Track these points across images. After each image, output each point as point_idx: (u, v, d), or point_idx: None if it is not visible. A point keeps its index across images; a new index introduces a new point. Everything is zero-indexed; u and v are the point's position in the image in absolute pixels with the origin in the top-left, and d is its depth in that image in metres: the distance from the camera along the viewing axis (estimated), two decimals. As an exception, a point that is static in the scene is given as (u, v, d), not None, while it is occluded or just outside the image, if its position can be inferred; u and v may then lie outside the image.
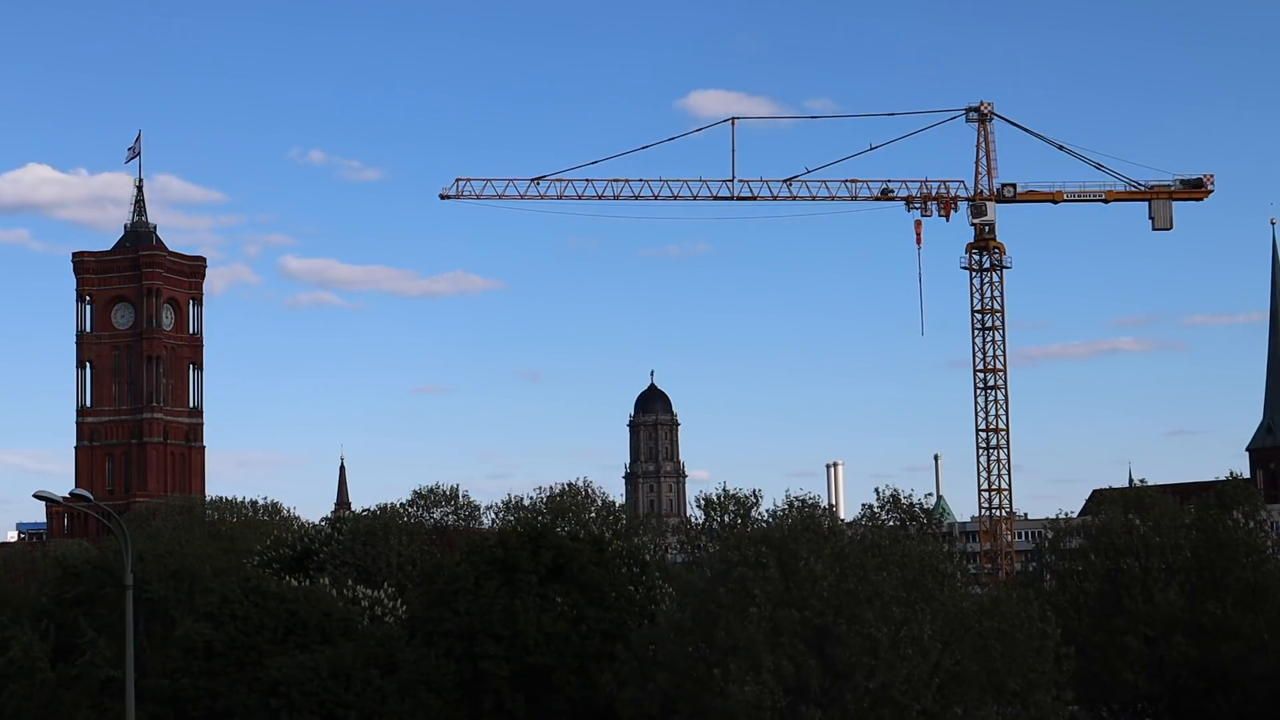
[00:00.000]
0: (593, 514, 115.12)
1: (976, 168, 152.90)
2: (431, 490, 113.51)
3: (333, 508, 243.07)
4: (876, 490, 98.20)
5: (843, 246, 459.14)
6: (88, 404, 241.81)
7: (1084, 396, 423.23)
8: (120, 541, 61.03)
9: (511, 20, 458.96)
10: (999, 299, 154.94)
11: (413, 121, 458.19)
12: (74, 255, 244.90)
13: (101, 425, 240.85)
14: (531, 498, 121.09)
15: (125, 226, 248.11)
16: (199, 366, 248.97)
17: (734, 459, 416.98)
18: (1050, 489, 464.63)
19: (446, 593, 78.03)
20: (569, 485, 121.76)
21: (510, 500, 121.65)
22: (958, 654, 54.30)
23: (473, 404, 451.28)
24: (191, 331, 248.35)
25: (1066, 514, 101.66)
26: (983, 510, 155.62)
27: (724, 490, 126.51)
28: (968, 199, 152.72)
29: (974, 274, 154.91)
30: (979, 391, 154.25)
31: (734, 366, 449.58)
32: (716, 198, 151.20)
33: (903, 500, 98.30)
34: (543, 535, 79.06)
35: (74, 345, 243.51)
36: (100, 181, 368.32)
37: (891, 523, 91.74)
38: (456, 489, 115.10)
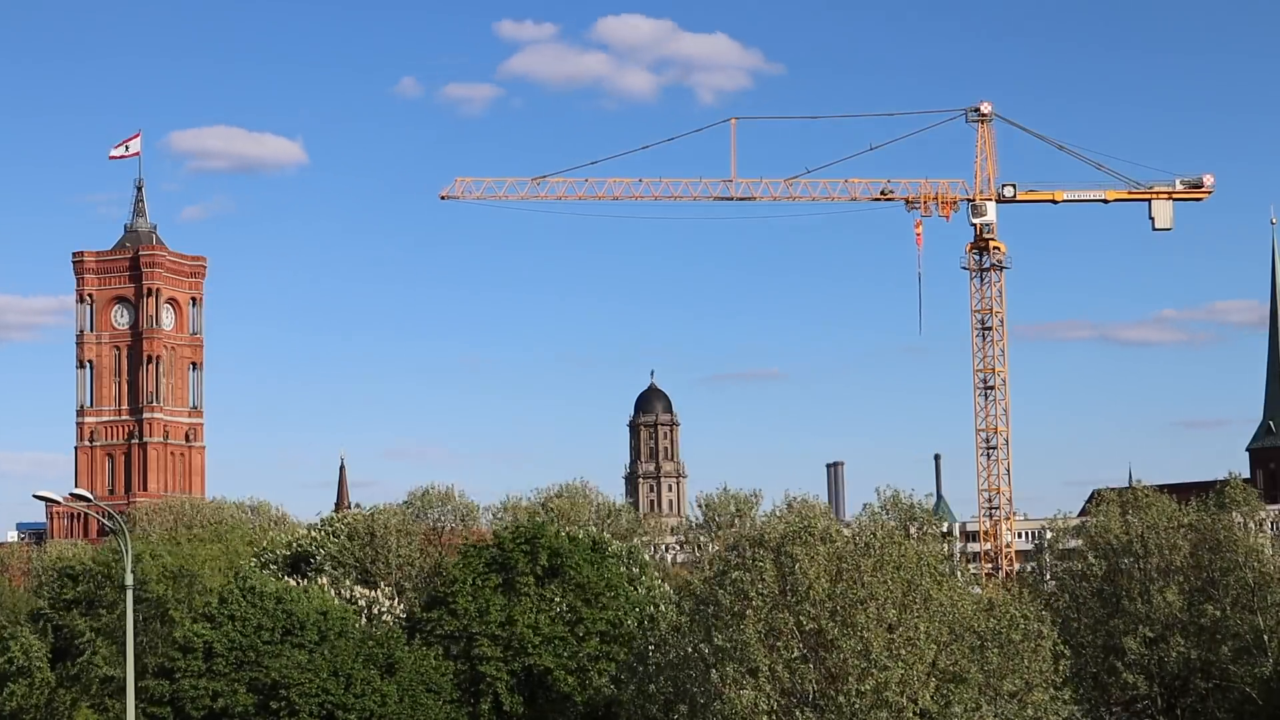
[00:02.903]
0: (590, 513, 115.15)
1: (976, 168, 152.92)
2: (426, 491, 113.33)
3: (332, 508, 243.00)
4: (877, 490, 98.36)
5: (842, 247, 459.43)
6: (87, 404, 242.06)
7: (1084, 396, 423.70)
8: (120, 542, 61.09)
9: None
10: (999, 299, 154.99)
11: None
12: (74, 255, 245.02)
13: (101, 425, 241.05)
14: (529, 499, 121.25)
15: (125, 226, 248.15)
16: (199, 366, 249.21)
17: (734, 459, 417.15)
18: (1050, 489, 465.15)
19: (445, 594, 78.10)
20: (566, 485, 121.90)
21: (508, 501, 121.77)
22: (955, 655, 54.30)
23: (472, 404, 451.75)
24: (191, 331, 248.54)
25: (1066, 514, 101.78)
26: (983, 510, 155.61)
27: (724, 490, 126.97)
28: (968, 199, 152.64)
29: (974, 274, 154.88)
30: (979, 391, 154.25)
31: (734, 366, 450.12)
32: (717, 198, 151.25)
33: (903, 500, 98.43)
34: (539, 536, 79.07)
35: (74, 345, 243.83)
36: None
37: (892, 523, 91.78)
38: (451, 489, 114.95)
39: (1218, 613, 68.75)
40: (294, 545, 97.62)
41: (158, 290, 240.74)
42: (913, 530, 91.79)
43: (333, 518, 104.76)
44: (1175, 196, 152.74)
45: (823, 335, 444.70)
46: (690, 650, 57.48)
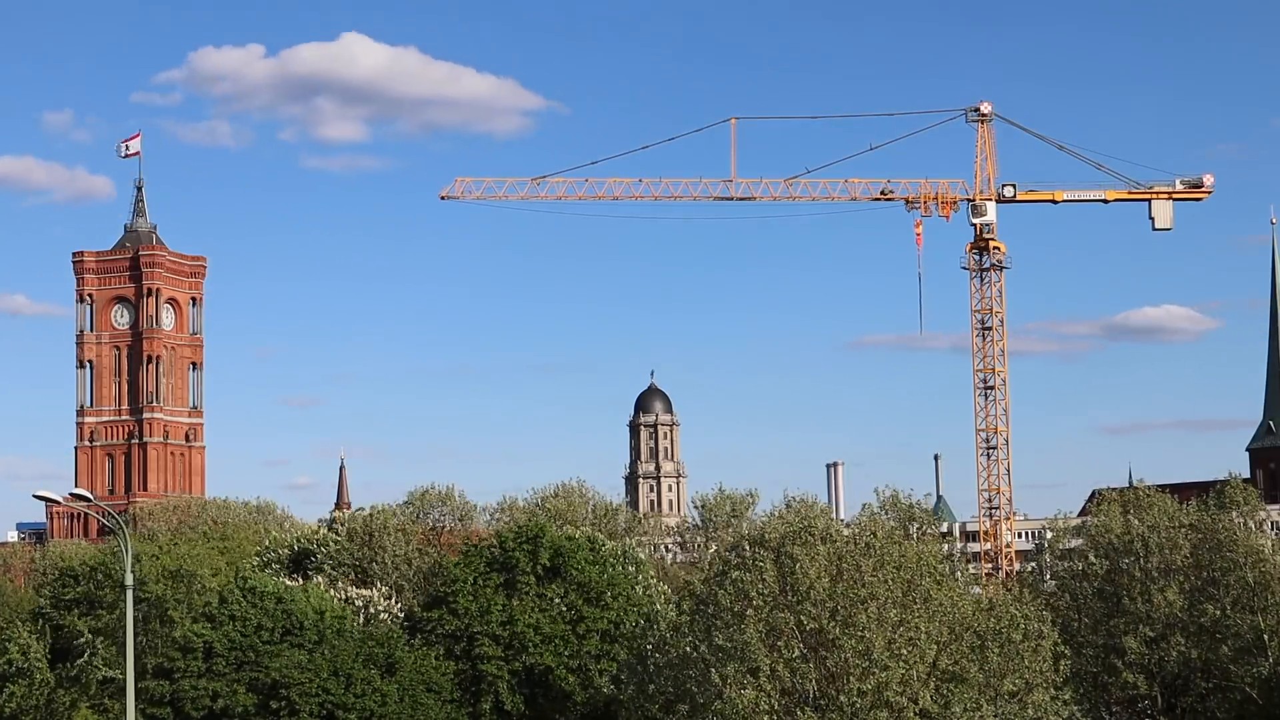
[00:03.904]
0: (587, 513, 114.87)
1: (976, 168, 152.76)
2: (426, 492, 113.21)
3: (332, 508, 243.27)
4: (876, 490, 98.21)
5: (842, 246, 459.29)
6: (87, 404, 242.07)
7: (1084, 396, 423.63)
8: (120, 542, 61.07)
9: (516, 21, 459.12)
10: (999, 299, 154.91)
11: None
12: (73, 255, 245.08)
13: (101, 425, 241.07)
14: (525, 499, 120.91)
15: (125, 226, 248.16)
16: (199, 366, 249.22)
17: (734, 459, 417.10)
18: (1050, 489, 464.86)
19: (446, 593, 78.09)
20: (562, 485, 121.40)
21: (505, 501, 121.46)
22: (955, 655, 54.30)
23: (472, 403, 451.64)
24: (191, 331, 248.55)
25: (1066, 514, 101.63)
26: (983, 510, 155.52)
27: (720, 491, 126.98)
28: (968, 199, 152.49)
29: (974, 274, 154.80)
30: (979, 391, 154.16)
31: (734, 366, 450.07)
32: (716, 198, 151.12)
33: (902, 500, 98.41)
34: (540, 536, 79.06)
35: (74, 345, 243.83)
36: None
37: (891, 523, 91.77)
38: (451, 489, 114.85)
39: (1218, 612, 68.73)
40: (295, 545, 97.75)
41: (158, 290, 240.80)
42: (912, 530, 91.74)
43: (334, 518, 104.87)
44: (1175, 196, 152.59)
45: (822, 335, 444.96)
46: (690, 650, 57.50)
